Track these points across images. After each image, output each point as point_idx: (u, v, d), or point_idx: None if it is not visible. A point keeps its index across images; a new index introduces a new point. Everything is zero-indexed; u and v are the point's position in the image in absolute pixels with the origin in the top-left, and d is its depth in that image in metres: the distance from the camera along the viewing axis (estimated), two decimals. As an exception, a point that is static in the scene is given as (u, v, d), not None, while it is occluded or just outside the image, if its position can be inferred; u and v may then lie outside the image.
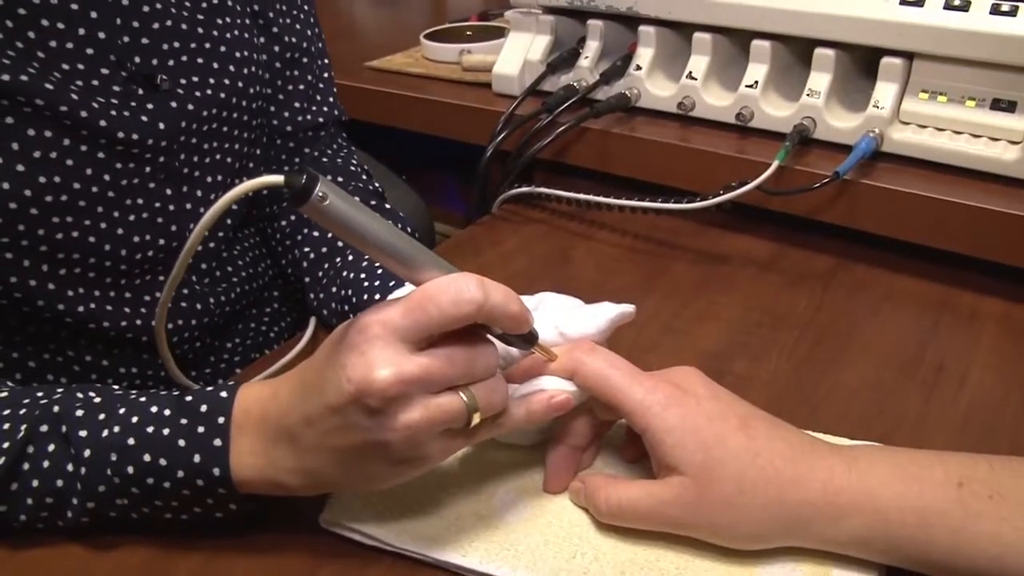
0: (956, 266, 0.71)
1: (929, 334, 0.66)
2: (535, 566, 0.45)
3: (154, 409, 0.46)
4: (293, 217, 0.72)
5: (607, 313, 0.50)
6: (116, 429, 0.45)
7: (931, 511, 0.42)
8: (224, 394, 0.45)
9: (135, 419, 0.45)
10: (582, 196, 0.78)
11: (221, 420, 0.44)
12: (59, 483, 0.45)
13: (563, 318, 0.50)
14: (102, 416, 0.46)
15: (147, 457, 0.44)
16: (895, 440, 0.53)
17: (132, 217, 0.58)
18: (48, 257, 0.55)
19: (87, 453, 0.45)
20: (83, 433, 0.45)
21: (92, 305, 0.58)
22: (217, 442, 0.44)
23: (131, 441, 0.45)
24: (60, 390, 0.48)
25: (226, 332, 0.70)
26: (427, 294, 0.41)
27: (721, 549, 0.45)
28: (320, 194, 0.38)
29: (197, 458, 0.44)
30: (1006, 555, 0.41)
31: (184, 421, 0.45)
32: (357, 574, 0.47)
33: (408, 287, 0.49)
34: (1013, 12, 0.65)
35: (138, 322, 0.61)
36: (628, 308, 0.51)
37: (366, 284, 0.63)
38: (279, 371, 0.63)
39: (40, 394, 0.48)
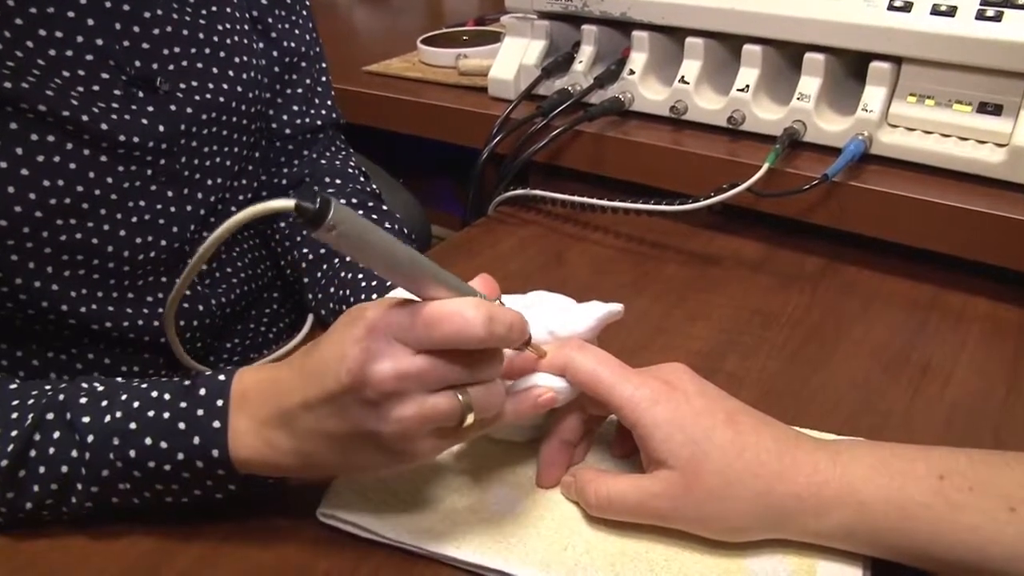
0: (944, 267, 0.72)
1: (916, 333, 0.67)
2: (527, 558, 0.46)
3: (155, 394, 0.47)
4: (291, 218, 0.73)
5: (596, 312, 0.51)
6: (118, 414, 0.46)
7: (913, 503, 0.43)
8: (222, 377, 0.47)
9: (136, 404, 0.47)
10: (576, 198, 0.80)
11: (219, 403, 0.46)
12: (64, 469, 0.47)
13: (553, 317, 0.51)
14: (104, 403, 0.47)
15: (148, 440, 0.46)
16: (881, 437, 0.54)
17: (134, 219, 0.59)
18: (53, 259, 0.56)
19: (90, 438, 0.46)
20: (86, 419, 0.47)
21: (95, 306, 0.59)
22: (216, 424, 0.45)
23: (133, 425, 0.46)
24: (66, 380, 0.49)
25: (226, 333, 0.72)
26: (433, 318, 0.41)
27: (709, 541, 0.46)
28: (332, 222, 0.37)
29: (196, 440, 0.45)
30: (986, 545, 0.42)
31: (184, 405, 0.46)
32: (354, 566, 0.48)
33: None
34: (998, 17, 0.67)
35: (140, 322, 0.62)
36: (616, 307, 0.52)
37: (364, 284, 0.64)
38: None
39: (47, 386, 0.49)
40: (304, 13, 0.75)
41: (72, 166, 0.55)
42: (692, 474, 0.45)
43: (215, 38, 0.63)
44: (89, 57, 0.56)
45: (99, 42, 0.57)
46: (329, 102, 0.77)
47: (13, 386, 0.49)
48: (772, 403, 0.57)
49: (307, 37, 0.75)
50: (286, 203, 0.37)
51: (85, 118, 0.55)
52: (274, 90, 0.73)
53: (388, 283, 0.63)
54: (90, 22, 0.56)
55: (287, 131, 0.74)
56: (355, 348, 0.41)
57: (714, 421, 0.46)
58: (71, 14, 0.55)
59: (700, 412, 0.46)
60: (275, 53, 0.72)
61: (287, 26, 0.73)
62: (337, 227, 0.37)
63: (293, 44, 0.73)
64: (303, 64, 0.74)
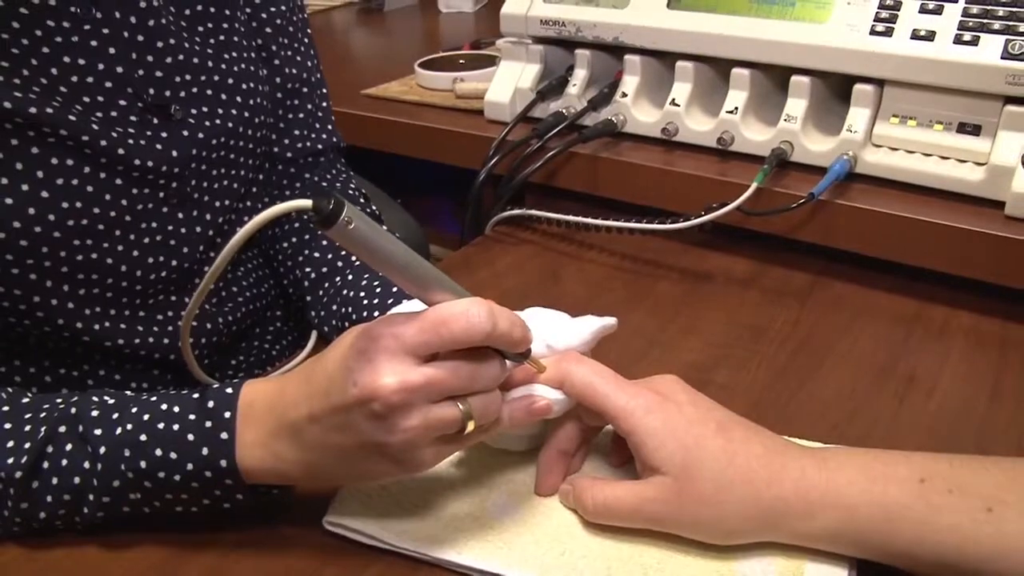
0: (928, 281, 0.74)
1: (901, 346, 0.69)
2: (526, 563, 0.48)
3: (164, 407, 0.49)
4: (294, 239, 0.75)
5: (590, 326, 0.53)
6: (129, 427, 0.48)
7: (895, 506, 0.45)
8: (230, 390, 0.49)
9: (147, 416, 0.48)
10: (571, 218, 0.82)
11: (227, 414, 0.47)
12: (76, 480, 0.48)
13: (550, 331, 0.53)
14: (115, 415, 0.49)
15: (158, 452, 0.47)
16: (867, 445, 0.55)
17: (147, 240, 0.61)
18: (68, 278, 0.58)
19: (102, 450, 0.48)
20: (98, 432, 0.48)
21: (108, 323, 0.61)
22: (223, 435, 0.47)
23: (143, 437, 0.48)
24: (78, 394, 0.51)
25: (232, 350, 0.73)
26: (441, 318, 0.43)
27: (701, 544, 0.48)
28: (346, 219, 0.40)
29: (205, 451, 0.47)
30: (965, 545, 0.43)
31: (192, 417, 0.48)
32: (359, 572, 0.49)
33: (414, 302, 0.52)
34: (975, 42, 0.69)
35: (151, 339, 0.63)
36: (610, 321, 0.54)
37: (365, 302, 0.66)
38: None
39: (59, 400, 0.51)
40: (306, 41, 0.77)
41: (89, 189, 0.57)
42: (685, 480, 0.47)
43: (223, 66, 0.66)
44: (108, 84, 0.58)
45: (119, 70, 0.59)
46: (330, 126, 0.79)
47: (26, 400, 0.51)
48: (762, 413, 0.58)
49: (308, 64, 0.77)
50: (303, 203, 0.40)
51: (104, 143, 0.57)
52: (277, 115, 0.75)
53: (390, 300, 0.65)
54: (111, 51, 0.58)
55: (289, 155, 0.76)
56: (360, 361, 0.43)
57: (706, 430, 0.48)
58: (94, 43, 0.58)
59: (692, 421, 0.48)
60: (278, 79, 0.74)
61: (290, 53, 0.75)
62: (350, 225, 0.39)
63: (295, 71, 0.76)
64: (304, 90, 0.77)
